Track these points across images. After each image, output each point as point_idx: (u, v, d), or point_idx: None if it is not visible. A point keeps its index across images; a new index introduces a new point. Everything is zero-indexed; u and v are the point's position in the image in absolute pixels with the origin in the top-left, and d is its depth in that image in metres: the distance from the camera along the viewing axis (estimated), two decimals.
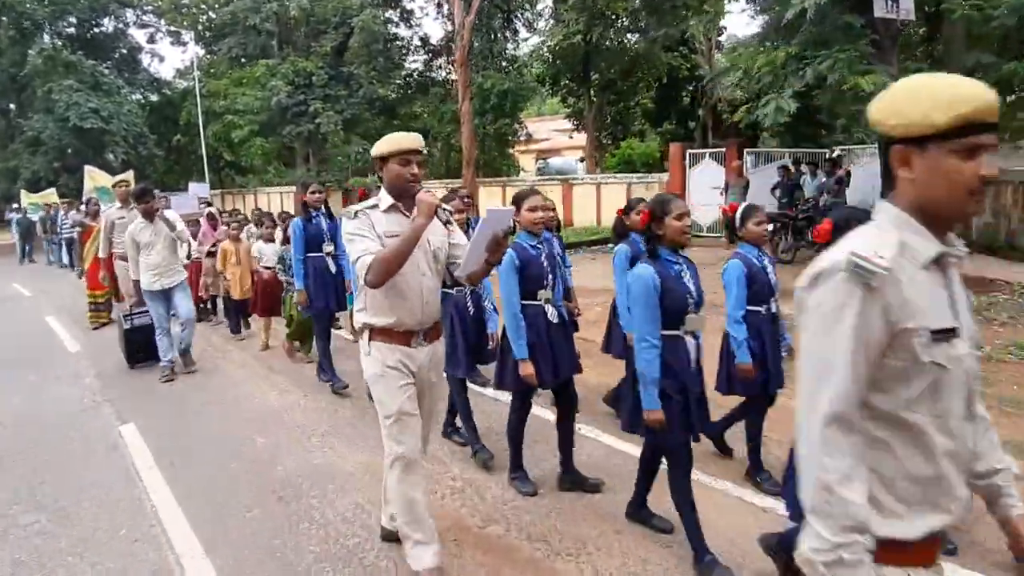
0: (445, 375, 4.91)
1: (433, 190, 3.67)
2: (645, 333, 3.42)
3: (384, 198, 3.35)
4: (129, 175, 9.76)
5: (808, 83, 11.01)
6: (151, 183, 9.30)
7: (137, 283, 7.45)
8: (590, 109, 25.83)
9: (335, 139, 24.41)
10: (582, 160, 34.08)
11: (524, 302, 4.25)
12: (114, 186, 9.38)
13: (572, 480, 4.53)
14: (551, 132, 39.73)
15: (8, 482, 5.16)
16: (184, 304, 7.66)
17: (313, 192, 6.86)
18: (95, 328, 10.62)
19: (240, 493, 4.71)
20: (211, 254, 10.01)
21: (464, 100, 19.51)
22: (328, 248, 6.75)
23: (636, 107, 30.49)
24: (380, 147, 3.33)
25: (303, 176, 25.95)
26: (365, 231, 3.22)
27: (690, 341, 3.56)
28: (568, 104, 30.51)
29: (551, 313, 4.34)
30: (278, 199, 31.02)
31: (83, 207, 18.95)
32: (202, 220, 11.12)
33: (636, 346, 3.48)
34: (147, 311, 7.72)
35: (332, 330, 7.41)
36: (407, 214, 3.32)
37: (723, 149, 18.50)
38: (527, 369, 4.18)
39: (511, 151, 30.69)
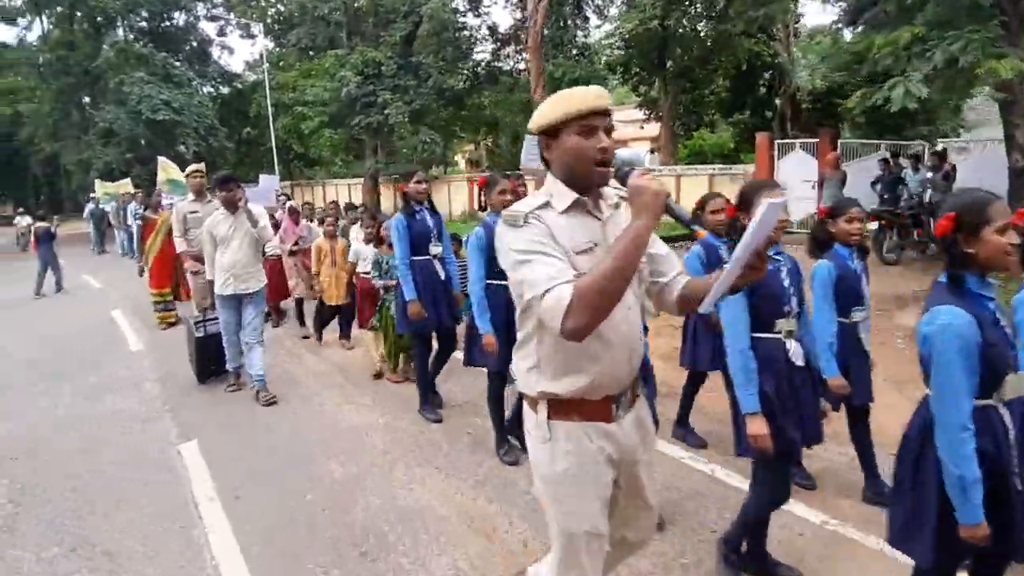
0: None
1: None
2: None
3: (559, 192, 2.09)
4: (201, 166, 8.87)
5: (936, 66, 9.76)
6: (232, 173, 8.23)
7: (211, 284, 6.57)
8: (666, 98, 24.61)
9: (402, 130, 23.71)
10: (653, 151, 32.86)
11: (755, 335, 3.07)
12: (188, 176, 8.42)
13: None
14: (614, 122, 38.50)
15: (48, 514, 4.45)
16: (254, 320, 6.45)
17: (417, 181, 5.53)
18: (164, 328, 9.96)
19: (316, 542, 3.89)
20: (293, 252, 9.28)
21: (537, 88, 18.62)
22: (436, 249, 5.55)
23: (711, 96, 29.16)
24: (547, 112, 2.07)
25: (371, 167, 25.43)
26: (546, 246, 1.97)
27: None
28: (640, 93, 29.37)
29: (793, 351, 3.12)
30: (346, 191, 30.64)
31: (139, 196, 18.72)
32: (282, 214, 10.45)
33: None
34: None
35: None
36: (598, 215, 2.15)
37: (815, 140, 17.13)
38: (758, 428, 2.97)
39: None
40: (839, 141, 16.85)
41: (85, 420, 6.28)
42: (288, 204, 10.87)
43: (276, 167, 28.54)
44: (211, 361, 7.09)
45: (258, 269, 6.48)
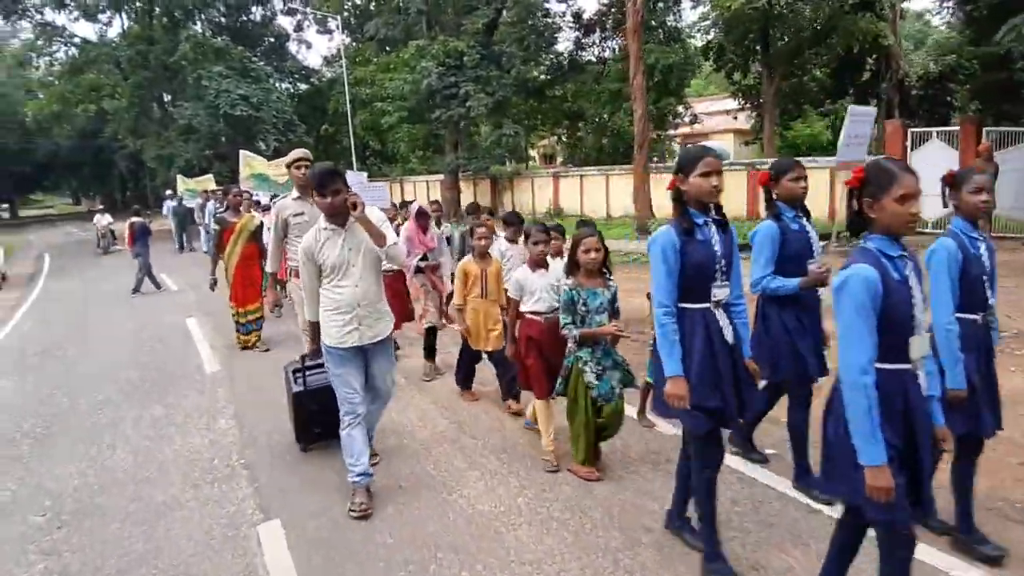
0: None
1: None
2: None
3: None
4: (306, 153, 6.34)
5: None
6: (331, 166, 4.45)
7: (316, 326, 4.37)
8: (770, 84, 22.56)
9: (482, 122, 22.28)
10: (747, 143, 30.74)
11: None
12: (291, 165, 6.10)
13: None
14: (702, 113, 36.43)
15: None
16: (384, 375, 4.53)
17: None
18: (261, 347, 8.59)
19: None
20: (419, 270, 7.23)
21: (636, 74, 16.90)
22: (722, 292, 3.25)
23: (812, 83, 26.93)
24: None
25: (452, 163, 24.13)
26: None
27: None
28: (734, 81, 27.34)
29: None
30: (424, 188, 29.50)
31: (218, 194, 17.53)
32: (406, 220, 8.32)
33: None
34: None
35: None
36: None
37: (950, 128, 15.03)
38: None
39: (672, 135, 27.84)
40: (984, 129, 14.67)
41: (146, 469, 5.08)
42: (415, 207, 8.27)
43: (354, 164, 27.60)
44: (316, 422, 5.16)
45: (384, 303, 4.43)
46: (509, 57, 23.24)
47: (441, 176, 27.24)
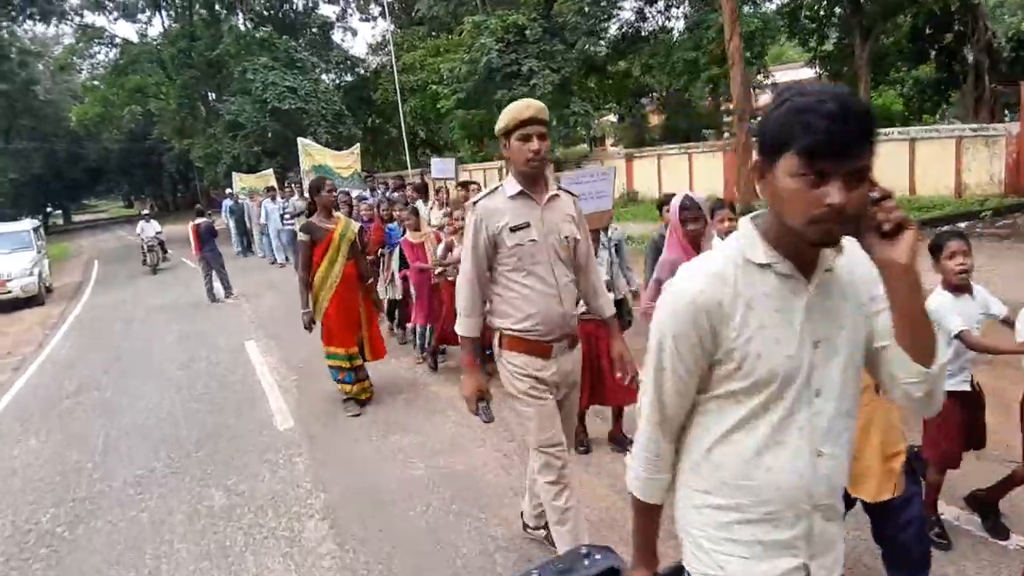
0: None
1: None
2: None
3: None
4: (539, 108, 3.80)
5: None
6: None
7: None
8: (862, 47, 19.91)
9: (550, 102, 19.99)
10: None
11: None
12: (511, 132, 2.90)
13: None
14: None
15: None
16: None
17: None
18: (353, 412, 5.90)
19: None
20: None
21: (732, 35, 14.58)
22: None
23: (895, 48, 24.16)
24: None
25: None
26: None
27: None
28: (810, 48, 24.67)
29: None
30: (481, 177, 27.38)
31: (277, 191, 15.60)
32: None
33: None
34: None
35: None
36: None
37: None
38: None
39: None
40: None
41: None
42: (679, 200, 6.39)
43: (406, 155, 25.62)
44: None
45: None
46: (572, 29, 20.97)
47: (499, 164, 25.10)
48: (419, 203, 8.76)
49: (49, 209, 58.28)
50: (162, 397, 7.07)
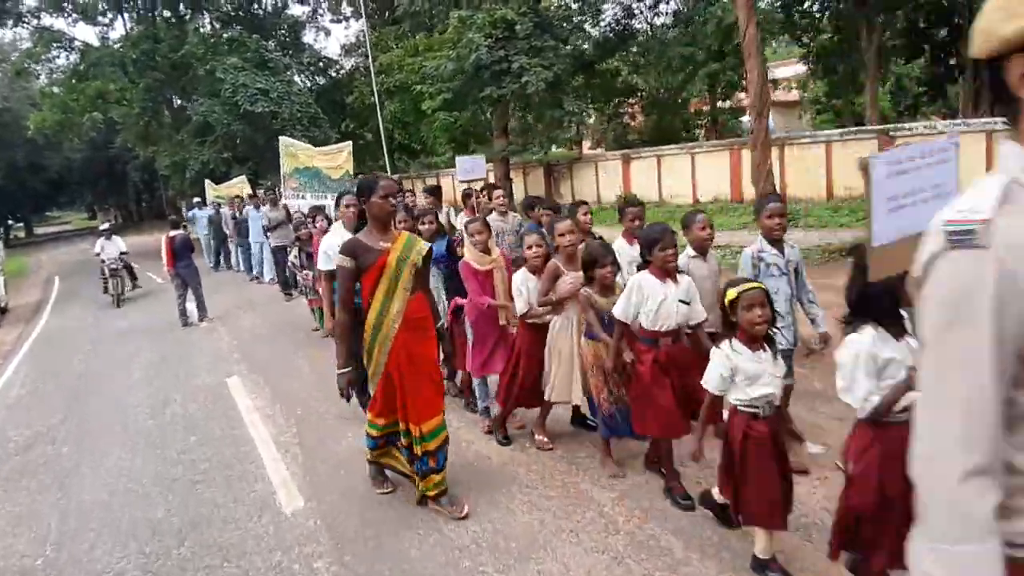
0: None
1: None
2: None
3: None
4: None
5: None
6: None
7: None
8: (869, 40, 18.86)
9: (539, 100, 18.59)
10: (820, 111, 27.08)
11: None
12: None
13: None
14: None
15: None
16: None
17: None
18: (384, 490, 4.44)
19: None
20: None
21: (748, 25, 13.33)
22: None
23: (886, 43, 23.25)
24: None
25: (500, 151, 20.58)
26: None
27: None
28: (804, 43, 23.68)
29: None
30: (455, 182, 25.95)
31: (286, 201, 13.06)
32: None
33: None
34: None
35: None
36: None
37: None
38: None
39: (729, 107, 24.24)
40: None
41: None
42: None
43: (386, 159, 24.13)
44: None
45: None
46: (560, 25, 19.70)
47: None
48: (450, 212, 7.36)
49: (10, 222, 55.63)
50: (132, 458, 5.60)
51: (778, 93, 26.01)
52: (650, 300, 3.73)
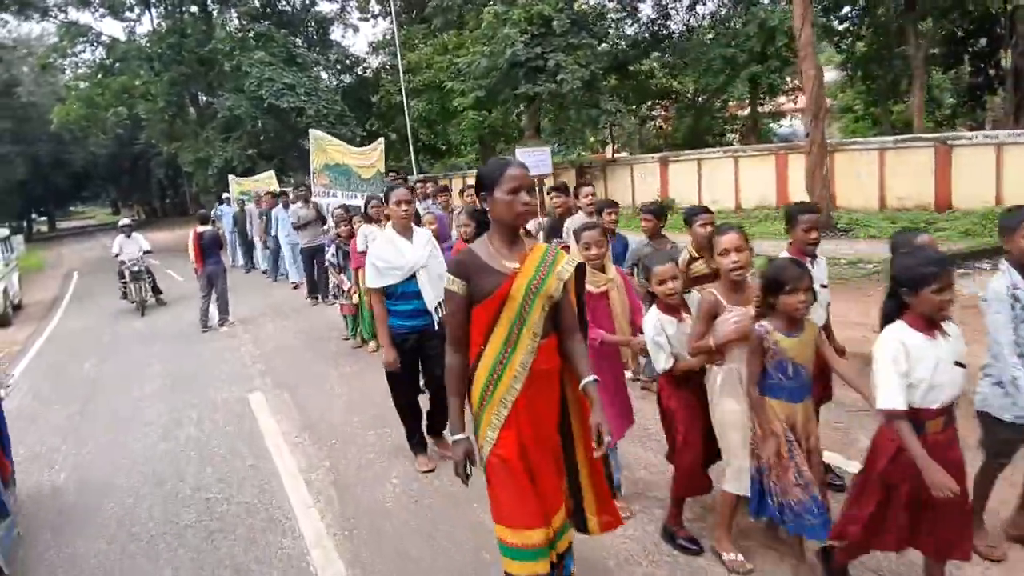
0: None
1: None
2: None
3: None
4: None
5: None
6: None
7: None
8: (917, 46, 17.79)
9: (575, 98, 17.61)
10: (858, 120, 25.97)
11: None
12: None
13: None
14: None
15: None
16: None
17: None
18: None
19: None
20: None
21: (804, 25, 12.41)
22: None
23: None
24: None
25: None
26: None
27: None
28: (843, 49, 22.65)
29: None
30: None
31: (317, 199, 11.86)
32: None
33: None
34: None
35: None
36: None
37: None
38: None
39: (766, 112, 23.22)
40: None
41: None
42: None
43: (412, 159, 23.32)
44: None
45: None
46: (596, 20, 18.81)
47: None
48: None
49: (34, 216, 55.42)
50: (136, 493, 4.74)
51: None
52: (920, 366, 2.52)
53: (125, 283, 12.21)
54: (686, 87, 23.43)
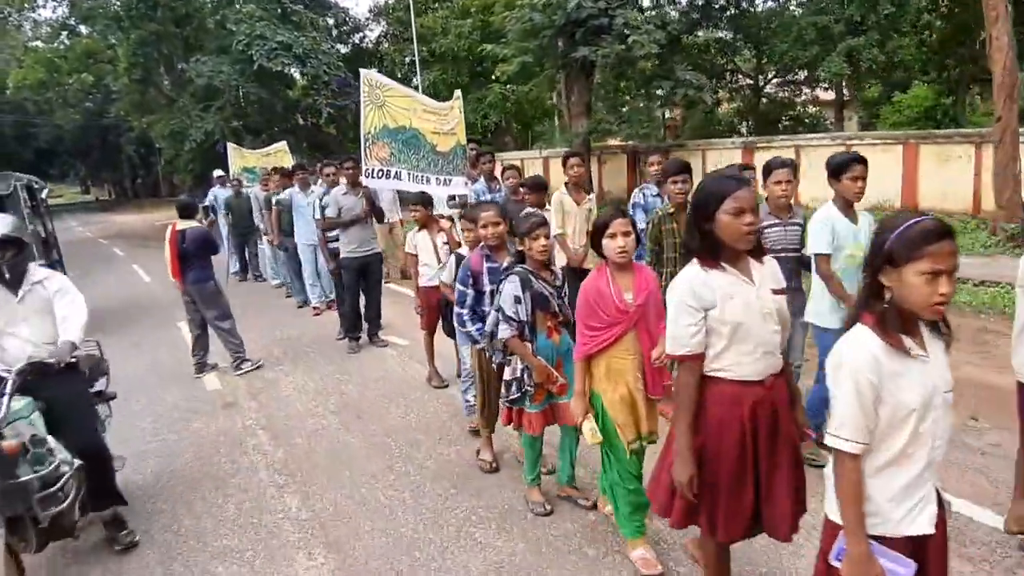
0: None
1: None
2: None
3: None
4: None
5: None
6: None
7: None
8: None
9: (649, 65, 13.62)
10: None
11: None
12: None
13: None
14: None
15: None
16: None
17: None
18: None
19: None
20: None
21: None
22: None
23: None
24: None
25: (581, 133, 15.71)
26: None
27: None
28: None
29: None
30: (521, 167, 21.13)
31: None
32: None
33: None
34: None
35: None
36: None
37: None
38: None
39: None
40: None
41: None
42: None
43: None
44: None
45: None
46: None
47: (538, 154, 18.91)
48: None
49: None
50: None
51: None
52: None
53: None
54: (749, 64, 19.64)
